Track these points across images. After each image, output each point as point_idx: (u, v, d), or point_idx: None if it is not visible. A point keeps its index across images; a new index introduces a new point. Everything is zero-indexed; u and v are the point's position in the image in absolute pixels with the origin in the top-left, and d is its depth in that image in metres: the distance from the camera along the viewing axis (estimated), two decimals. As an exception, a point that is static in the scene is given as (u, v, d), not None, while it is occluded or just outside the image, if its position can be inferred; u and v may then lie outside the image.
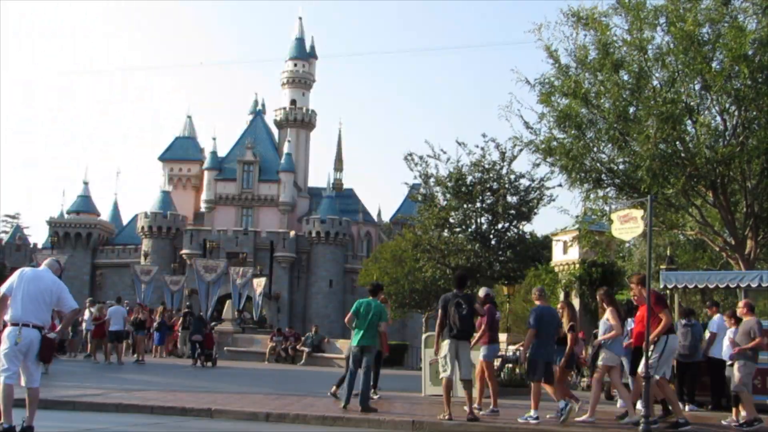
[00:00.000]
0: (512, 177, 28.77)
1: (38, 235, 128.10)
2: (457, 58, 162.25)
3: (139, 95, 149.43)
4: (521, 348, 13.05)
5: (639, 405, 11.12)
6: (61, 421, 10.43)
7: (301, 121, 77.46)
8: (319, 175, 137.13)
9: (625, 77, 17.84)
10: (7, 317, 8.34)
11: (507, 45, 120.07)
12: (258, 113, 79.40)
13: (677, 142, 17.78)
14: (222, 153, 75.02)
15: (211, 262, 46.59)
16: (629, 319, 12.31)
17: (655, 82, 17.92)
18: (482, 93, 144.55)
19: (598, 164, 18.87)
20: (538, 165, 21.69)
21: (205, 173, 74.01)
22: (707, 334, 13.79)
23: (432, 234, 30.08)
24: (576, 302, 28.29)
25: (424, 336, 15.56)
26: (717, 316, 13.90)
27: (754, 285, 13.41)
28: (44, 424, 10.25)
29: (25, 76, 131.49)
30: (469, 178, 28.70)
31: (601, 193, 19.51)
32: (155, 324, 27.97)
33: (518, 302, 38.40)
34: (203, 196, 74.26)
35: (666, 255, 26.59)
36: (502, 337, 23.51)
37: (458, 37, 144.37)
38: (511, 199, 28.94)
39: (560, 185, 21.97)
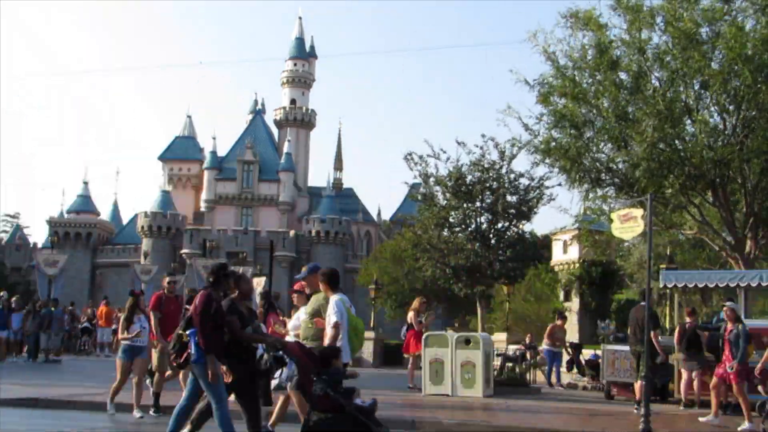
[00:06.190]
0: (512, 176, 28.75)
1: (38, 234, 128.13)
2: (457, 58, 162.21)
3: (139, 95, 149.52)
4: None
5: None
6: (61, 420, 10.44)
7: (300, 120, 77.48)
8: (319, 175, 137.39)
9: (623, 77, 17.85)
10: None
11: (507, 45, 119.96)
12: (258, 113, 79.40)
13: (676, 141, 17.80)
14: (222, 153, 75.07)
15: (211, 261, 46.52)
16: None
17: (654, 82, 17.93)
18: (482, 93, 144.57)
19: (597, 164, 18.88)
20: (537, 165, 21.73)
21: (205, 173, 74.04)
22: None
23: (432, 233, 30.03)
24: (576, 302, 28.28)
25: (424, 335, 15.52)
26: None
27: (753, 284, 13.41)
28: (44, 423, 10.28)
29: (25, 75, 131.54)
30: (469, 177, 28.67)
31: (600, 192, 19.53)
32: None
33: (518, 302, 38.33)
34: (203, 196, 74.29)
35: (666, 254, 26.59)
36: (502, 336, 23.50)
37: (458, 37, 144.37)
38: (511, 198, 28.90)
39: (560, 185, 21.99)
